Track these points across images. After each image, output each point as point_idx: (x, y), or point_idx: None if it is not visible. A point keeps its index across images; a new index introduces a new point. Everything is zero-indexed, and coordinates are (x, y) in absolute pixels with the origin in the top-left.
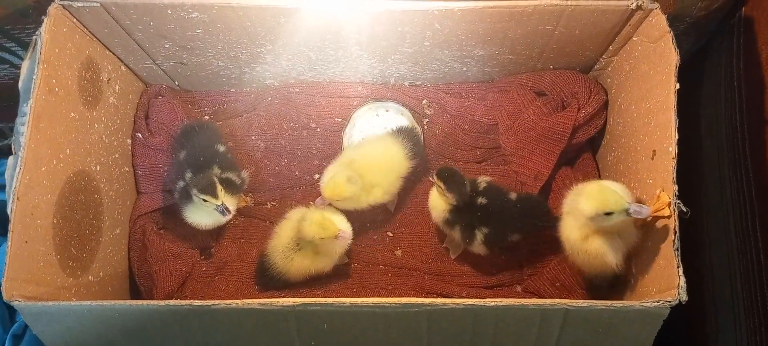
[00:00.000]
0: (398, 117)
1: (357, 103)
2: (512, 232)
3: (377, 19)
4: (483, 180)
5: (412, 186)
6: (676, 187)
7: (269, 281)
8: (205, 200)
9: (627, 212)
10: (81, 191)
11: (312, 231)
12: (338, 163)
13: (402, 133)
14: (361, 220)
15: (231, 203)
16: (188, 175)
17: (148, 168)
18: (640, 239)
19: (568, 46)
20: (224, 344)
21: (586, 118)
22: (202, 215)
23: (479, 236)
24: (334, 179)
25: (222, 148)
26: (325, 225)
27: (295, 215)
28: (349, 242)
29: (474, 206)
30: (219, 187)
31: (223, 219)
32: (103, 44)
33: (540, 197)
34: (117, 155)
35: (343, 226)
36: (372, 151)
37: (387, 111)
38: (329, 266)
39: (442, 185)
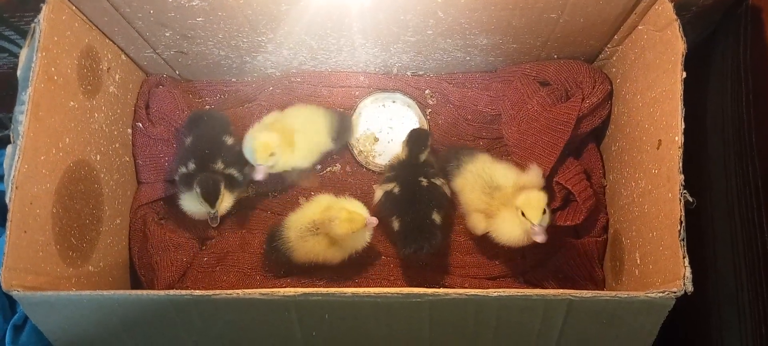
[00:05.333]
0: (405, 109)
1: (359, 93)
2: (396, 218)
3: (379, 6)
4: (443, 184)
5: None
6: (681, 177)
7: (275, 251)
8: (202, 202)
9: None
10: (81, 180)
11: (343, 229)
12: (260, 125)
13: (334, 114)
14: None
15: (228, 202)
16: (191, 165)
17: (148, 158)
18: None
19: (573, 35)
20: (225, 335)
21: (591, 108)
22: (197, 205)
23: (390, 187)
24: (260, 140)
25: (230, 141)
26: (353, 219)
27: (323, 200)
28: (372, 231)
29: (416, 172)
30: (222, 196)
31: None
32: (102, 33)
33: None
34: (117, 145)
35: (367, 213)
36: (298, 115)
37: (394, 102)
38: (338, 259)
39: (406, 138)
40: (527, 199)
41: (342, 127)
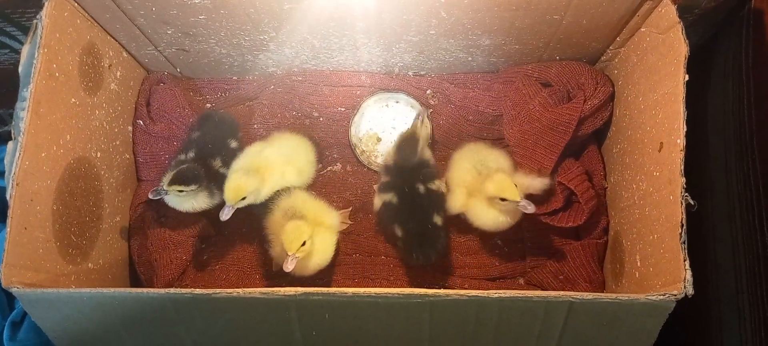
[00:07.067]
0: (408, 110)
1: (361, 92)
2: (399, 226)
3: (383, 6)
4: (440, 184)
5: None
6: (683, 179)
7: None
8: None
9: (517, 204)
10: (81, 177)
11: (284, 232)
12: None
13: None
14: (364, 210)
15: (199, 200)
16: (191, 154)
17: (149, 156)
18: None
19: (575, 36)
20: (225, 333)
21: (592, 109)
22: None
23: (388, 197)
24: (230, 183)
25: (234, 144)
26: (291, 239)
27: (319, 207)
28: (288, 269)
29: (414, 178)
30: (182, 185)
31: (179, 205)
32: (104, 29)
33: (443, 242)
34: (118, 142)
35: (300, 254)
36: (274, 143)
37: (397, 103)
38: (276, 251)
39: (396, 141)
40: (500, 184)
41: (321, 153)
